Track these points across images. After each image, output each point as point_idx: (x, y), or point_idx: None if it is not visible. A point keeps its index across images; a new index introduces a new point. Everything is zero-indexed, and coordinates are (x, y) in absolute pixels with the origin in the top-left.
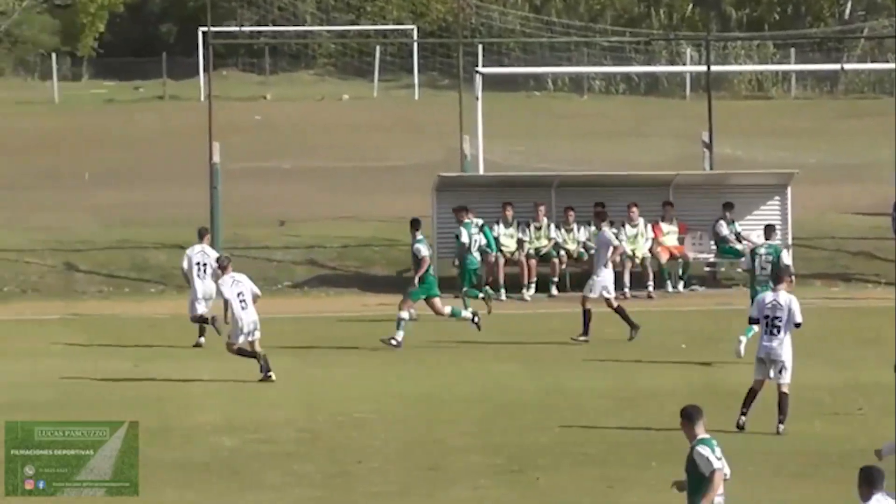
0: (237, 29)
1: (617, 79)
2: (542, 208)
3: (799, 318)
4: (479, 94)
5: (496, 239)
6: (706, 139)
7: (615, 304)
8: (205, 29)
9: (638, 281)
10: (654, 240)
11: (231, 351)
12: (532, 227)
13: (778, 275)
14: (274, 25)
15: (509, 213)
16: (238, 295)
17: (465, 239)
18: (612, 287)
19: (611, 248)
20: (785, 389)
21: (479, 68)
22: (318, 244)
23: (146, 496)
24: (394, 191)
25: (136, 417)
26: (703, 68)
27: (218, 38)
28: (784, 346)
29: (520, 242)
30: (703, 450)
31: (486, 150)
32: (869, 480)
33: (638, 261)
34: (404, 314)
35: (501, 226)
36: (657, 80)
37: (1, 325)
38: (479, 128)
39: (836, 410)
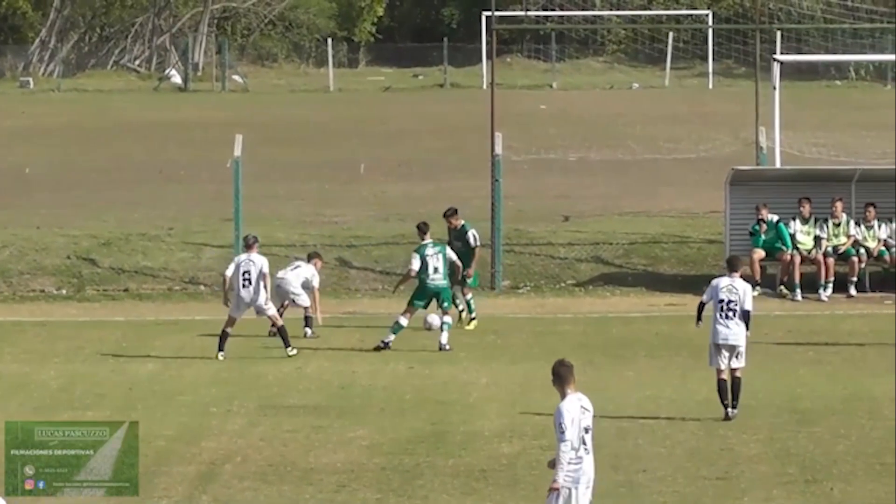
0: (523, 13)
1: None
2: (839, 203)
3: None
4: (777, 83)
5: (792, 236)
6: None
7: None
8: (488, 13)
9: None
10: None
11: (226, 325)
12: (830, 224)
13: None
14: (561, 10)
15: (806, 208)
16: (244, 273)
17: (415, 265)
18: None
19: None
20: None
21: (777, 56)
22: (604, 241)
23: (420, 503)
24: (684, 185)
25: (413, 422)
26: None
27: (502, 23)
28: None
29: (817, 240)
30: None
31: (783, 142)
32: None
33: None
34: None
35: (798, 222)
36: None
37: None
38: (777, 119)
39: None
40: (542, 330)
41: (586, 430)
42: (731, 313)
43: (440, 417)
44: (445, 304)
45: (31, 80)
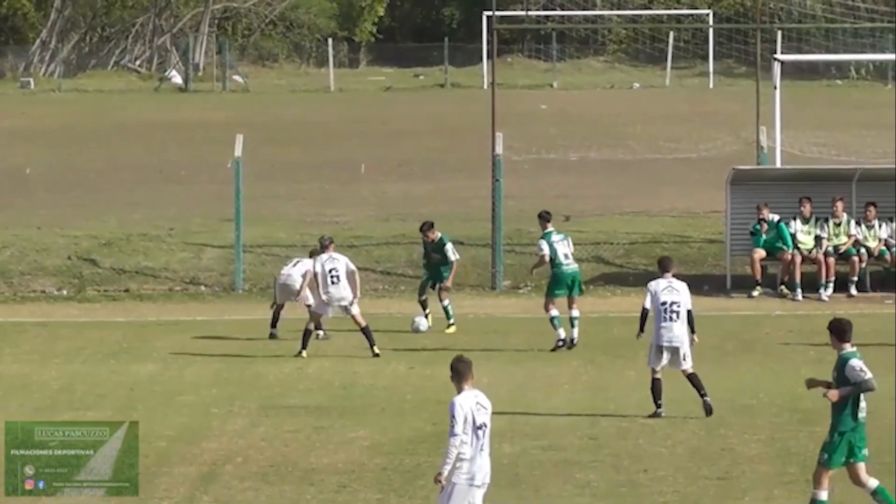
0: (523, 13)
1: None
2: (840, 203)
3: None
4: (778, 82)
5: (793, 235)
6: None
7: None
8: (489, 13)
9: None
10: None
11: (312, 322)
12: (831, 223)
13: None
14: (562, 10)
15: (807, 208)
16: (331, 271)
17: (546, 250)
18: None
19: None
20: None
21: (778, 55)
22: (604, 241)
23: (421, 503)
24: (685, 184)
25: (414, 422)
26: None
27: (503, 23)
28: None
29: (818, 239)
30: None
31: (784, 141)
32: None
33: None
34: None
35: (799, 222)
36: None
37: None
38: (777, 118)
39: None
40: (543, 330)
41: (480, 428)
42: (674, 315)
43: (441, 417)
44: (577, 292)
45: (31, 80)
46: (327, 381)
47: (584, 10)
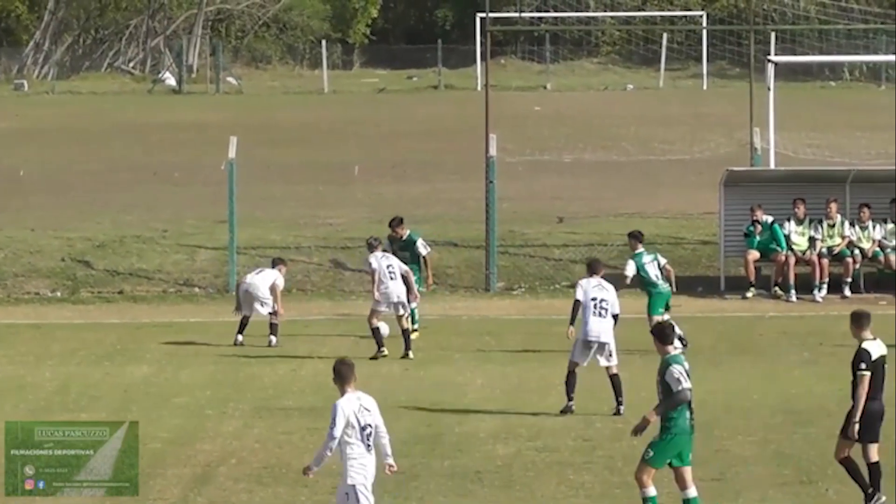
0: (517, 15)
1: None
2: (834, 204)
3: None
4: (771, 83)
5: (787, 237)
6: None
7: None
8: (482, 15)
9: None
10: None
11: (371, 322)
12: (825, 225)
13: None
14: (555, 11)
15: (801, 209)
16: (387, 267)
17: (630, 271)
18: None
19: None
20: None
21: (772, 57)
22: (598, 242)
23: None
24: (679, 186)
25: (408, 424)
26: None
27: (496, 25)
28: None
29: (811, 240)
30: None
31: (778, 143)
32: None
33: None
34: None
35: (793, 223)
36: None
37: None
38: (771, 120)
39: None
40: (537, 331)
41: (364, 429)
42: (603, 311)
43: (435, 419)
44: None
45: (25, 82)
46: (321, 383)
47: (577, 11)
